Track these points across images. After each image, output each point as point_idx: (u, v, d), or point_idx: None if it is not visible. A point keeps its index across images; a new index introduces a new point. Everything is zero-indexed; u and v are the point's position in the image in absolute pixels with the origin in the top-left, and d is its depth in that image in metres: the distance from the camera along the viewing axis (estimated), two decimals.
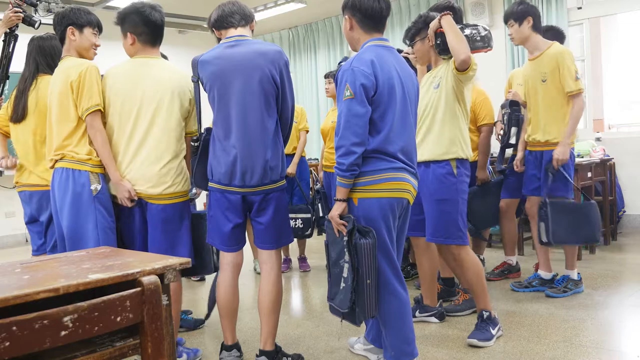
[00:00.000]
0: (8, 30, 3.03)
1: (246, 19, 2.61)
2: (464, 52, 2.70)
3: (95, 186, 2.57)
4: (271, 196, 2.54)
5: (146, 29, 2.61)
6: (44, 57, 3.02)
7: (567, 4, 5.85)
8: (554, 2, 5.86)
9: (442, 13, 2.80)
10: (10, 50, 3.08)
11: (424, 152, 2.93)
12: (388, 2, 2.41)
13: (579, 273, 3.71)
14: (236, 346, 2.69)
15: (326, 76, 4.85)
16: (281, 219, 2.58)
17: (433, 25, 2.89)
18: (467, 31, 2.87)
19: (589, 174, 4.83)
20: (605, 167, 5.20)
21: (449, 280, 3.65)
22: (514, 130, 3.72)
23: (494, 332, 2.88)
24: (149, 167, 2.54)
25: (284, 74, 2.53)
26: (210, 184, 2.59)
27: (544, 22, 5.89)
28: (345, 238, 2.27)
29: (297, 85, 8.27)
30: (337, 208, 2.32)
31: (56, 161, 2.62)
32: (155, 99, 2.54)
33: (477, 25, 2.93)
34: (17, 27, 3.07)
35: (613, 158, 5.43)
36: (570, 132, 3.49)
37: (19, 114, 2.99)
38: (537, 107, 3.62)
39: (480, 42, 2.90)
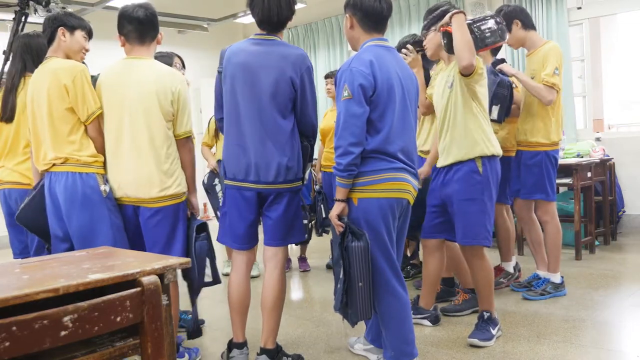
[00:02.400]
0: (18, 8, 3.00)
1: (280, 27, 2.55)
2: (466, 58, 2.63)
3: (104, 187, 2.56)
4: (285, 195, 2.54)
5: (131, 27, 2.58)
6: (31, 56, 2.98)
7: (567, 4, 5.84)
8: (554, 2, 5.86)
9: (455, 11, 2.73)
10: (20, 29, 3.06)
11: (449, 155, 2.87)
12: (390, 2, 2.41)
13: (562, 276, 3.65)
14: (245, 344, 2.70)
15: (327, 77, 4.82)
16: (292, 216, 2.58)
17: (443, 21, 2.83)
18: (476, 29, 2.78)
19: (589, 174, 4.83)
20: (605, 167, 5.20)
21: (449, 280, 3.65)
22: None
23: (494, 332, 2.88)
24: (137, 172, 2.51)
25: (305, 79, 2.50)
26: (226, 181, 2.60)
27: (544, 22, 5.91)
28: (338, 240, 2.31)
29: None
30: (336, 208, 2.35)
31: (54, 164, 2.56)
32: (137, 101, 2.50)
33: (487, 19, 2.82)
34: (28, 5, 3.04)
35: (613, 158, 5.43)
36: (521, 76, 3.48)
37: (7, 114, 2.97)
38: (522, 107, 3.63)
39: (491, 38, 2.80)
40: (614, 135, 6.11)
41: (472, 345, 2.84)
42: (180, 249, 2.60)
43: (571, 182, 4.62)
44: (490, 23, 2.81)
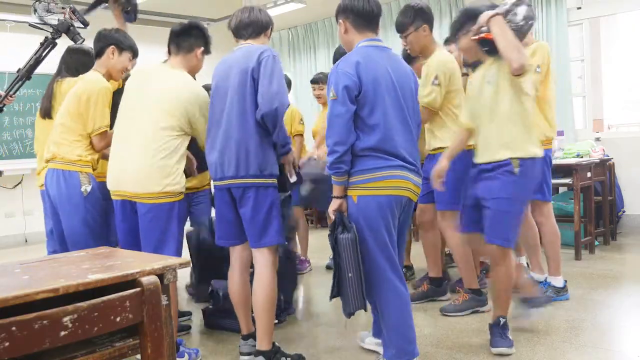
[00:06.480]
0: (50, 37, 3.18)
1: (259, 30, 2.67)
2: (516, 60, 2.50)
3: (86, 187, 2.69)
4: (251, 192, 2.53)
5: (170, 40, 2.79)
6: (67, 67, 3.17)
7: (567, 4, 5.85)
8: (554, 2, 5.86)
9: (491, 15, 2.61)
10: (44, 54, 3.20)
11: (486, 153, 2.74)
12: (378, 3, 2.49)
13: (565, 280, 3.56)
14: (252, 335, 2.73)
15: (313, 82, 4.66)
16: (263, 216, 2.55)
17: (478, 26, 2.68)
18: (513, 25, 2.62)
19: (589, 174, 4.82)
20: (605, 167, 5.20)
21: (437, 280, 3.63)
22: None
23: (510, 337, 2.79)
24: (136, 167, 2.55)
25: (262, 64, 2.49)
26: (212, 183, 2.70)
27: (544, 22, 5.91)
28: (329, 232, 2.39)
29: (296, 85, 8.25)
30: (333, 204, 2.41)
31: (47, 161, 2.73)
32: (154, 102, 2.58)
33: (517, 5, 2.65)
34: (60, 35, 3.16)
35: (613, 158, 5.43)
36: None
37: (42, 112, 3.18)
38: None
39: (528, 24, 2.65)
40: (614, 135, 6.12)
41: (499, 354, 2.72)
42: (174, 249, 2.61)
43: (571, 182, 4.62)
44: (521, 10, 2.66)
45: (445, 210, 3.34)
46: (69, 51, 3.22)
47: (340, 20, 2.53)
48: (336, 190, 2.40)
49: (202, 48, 2.75)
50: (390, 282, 2.38)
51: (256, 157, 2.51)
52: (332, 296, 2.43)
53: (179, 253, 2.63)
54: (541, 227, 3.60)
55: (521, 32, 2.66)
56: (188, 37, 2.71)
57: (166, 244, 2.59)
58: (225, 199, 2.61)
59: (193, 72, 2.78)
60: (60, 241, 2.83)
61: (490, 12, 2.63)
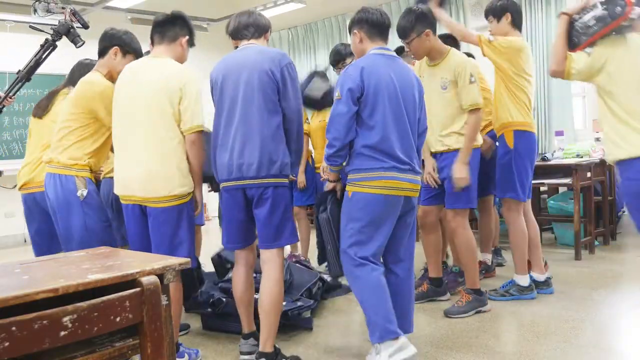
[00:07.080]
0: (50, 39, 3.17)
1: (260, 31, 2.71)
2: (550, 66, 2.59)
3: (82, 192, 2.67)
4: (269, 192, 2.55)
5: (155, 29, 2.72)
6: (74, 77, 3.16)
7: (567, 4, 5.84)
8: (554, 2, 5.86)
9: (560, 13, 2.61)
10: (44, 56, 3.22)
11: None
12: (388, 15, 2.74)
13: (532, 281, 3.54)
14: (253, 335, 2.75)
15: None
16: (280, 217, 2.58)
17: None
18: (578, 24, 2.50)
19: (589, 174, 4.82)
20: (605, 167, 5.19)
21: (437, 280, 3.63)
22: None
23: None
24: (142, 170, 2.51)
25: (286, 73, 2.58)
26: (221, 185, 2.68)
27: (544, 22, 5.91)
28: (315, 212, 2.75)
29: None
30: (328, 186, 2.75)
31: (46, 163, 2.75)
32: (143, 100, 2.52)
33: (595, 6, 2.47)
34: (61, 37, 3.16)
35: None
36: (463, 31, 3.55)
37: (37, 110, 3.22)
38: (494, 100, 3.62)
39: (595, 26, 2.44)
40: None
41: None
42: (187, 251, 2.58)
43: (571, 182, 4.62)
44: (597, 10, 2.46)
45: (459, 209, 3.35)
46: (81, 65, 3.24)
47: (355, 31, 2.71)
48: (331, 176, 2.74)
49: (187, 37, 2.69)
50: (362, 266, 2.55)
51: (278, 158, 2.55)
52: (320, 262, 2.88)
53: (191, 254, 2.61)
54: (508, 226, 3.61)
55: (587, 33, 2.49)
56: (172, 27, 2.65)
57: (179, 247, 2.57)
58: (238, 200, 2.60)
59: (178, 62, 2.69)
60: (48, 243, 2.86)
61: (563, 10, 2.65)
